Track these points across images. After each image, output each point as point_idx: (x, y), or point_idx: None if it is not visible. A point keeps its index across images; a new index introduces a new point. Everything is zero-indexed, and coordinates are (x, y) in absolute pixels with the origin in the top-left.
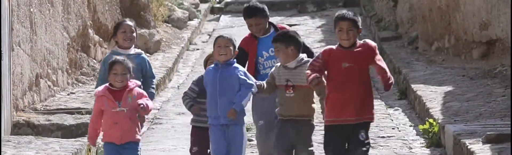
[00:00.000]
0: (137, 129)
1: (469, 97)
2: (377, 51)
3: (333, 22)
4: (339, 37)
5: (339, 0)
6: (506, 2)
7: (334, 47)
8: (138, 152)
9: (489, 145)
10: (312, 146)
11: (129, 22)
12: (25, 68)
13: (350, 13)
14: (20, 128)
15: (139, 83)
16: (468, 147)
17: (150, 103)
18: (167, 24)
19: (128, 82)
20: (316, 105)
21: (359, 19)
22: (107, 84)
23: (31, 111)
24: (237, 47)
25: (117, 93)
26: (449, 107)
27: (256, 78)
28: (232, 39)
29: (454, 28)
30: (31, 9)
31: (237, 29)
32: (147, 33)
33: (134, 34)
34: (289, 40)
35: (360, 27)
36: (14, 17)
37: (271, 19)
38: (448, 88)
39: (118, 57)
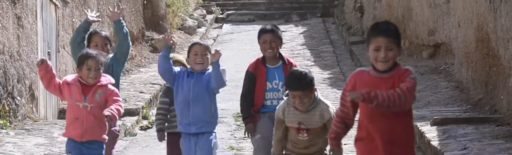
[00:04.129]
0: (103, 128)
1: (419, 89)
2: (410, 78)
3: (367, 37)
4: (374, 58)
5: (317, 12)
6: (449, 14)
7: (365, 70)
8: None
9: (435, 127)
10: None
11: (102, 33)
12: (68, 66)
13: (392, 28)
14: (65, 113)
15: (113, 81)
16: (419, 128)
17: (119, 108)
18: (180, 31)
19: (102, 77)
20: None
21: (401, 36)
22: (77, 75)
23: None
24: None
25: (86, 87)
26: None
27: (258, 109)
28: (209, 46)
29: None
30: (73, 19)
31: (236, 34)
32: None
33: (108, 46)
34: (311, 88)
35: (402, 45)
36: (60, 25)
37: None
38: None
39: (91, 51)
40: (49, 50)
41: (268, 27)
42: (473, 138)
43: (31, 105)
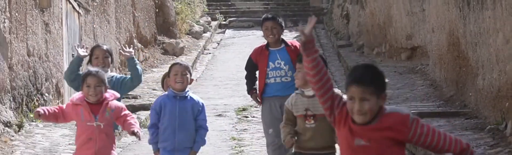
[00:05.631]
0: (113, 146)
1: (398, 87)
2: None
3: (345, 86)
4: (350, 110)
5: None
6: (424, 20)
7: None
8: None
9: None
10: None
11: (103, 46)
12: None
13: (367, 76)
14: None
15: (118, 95)
16: None
17: (136, 124)
18: (188, 36)
19: (105, 94)
20: None
21: (384, 81)
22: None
23: None
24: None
25: (94, 106)
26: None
27: (263, 87)
28: (189, 66)
29: (389, 38)
30: (94, 26)
31: (237, 39)
32: (174, 42)
33: (109, 59)
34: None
35: (384, 92)
36: (82, 31)
37: (261, 31)
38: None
39: (91, 69)
40: (73, 53)
41: (270, 15)
42: (445, 130)
43: (57, 101)
